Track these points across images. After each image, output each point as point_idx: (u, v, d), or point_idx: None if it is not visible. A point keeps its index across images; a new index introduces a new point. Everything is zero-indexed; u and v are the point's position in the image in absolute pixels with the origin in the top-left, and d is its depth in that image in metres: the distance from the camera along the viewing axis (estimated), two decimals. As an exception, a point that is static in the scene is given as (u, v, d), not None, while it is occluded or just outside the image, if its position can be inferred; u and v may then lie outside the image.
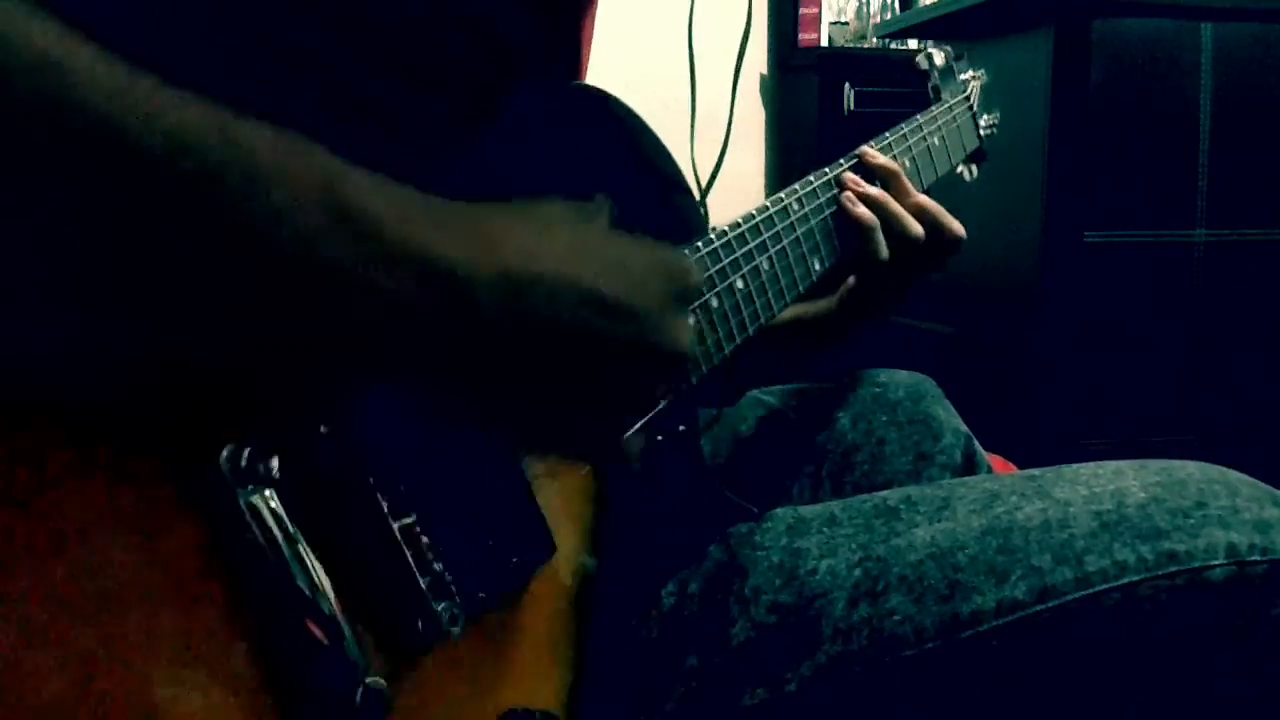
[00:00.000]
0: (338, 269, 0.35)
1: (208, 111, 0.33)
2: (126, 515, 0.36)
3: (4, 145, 0.30)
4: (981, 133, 0.94)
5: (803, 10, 2.67)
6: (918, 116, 0.83)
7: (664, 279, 0.47)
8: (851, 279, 0.79)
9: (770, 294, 0.65)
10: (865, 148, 0.76)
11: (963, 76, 0.93)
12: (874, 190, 0.73)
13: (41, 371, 0.35)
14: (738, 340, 0.63)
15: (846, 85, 2.38)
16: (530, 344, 0.41)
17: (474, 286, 0.38)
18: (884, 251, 0.72)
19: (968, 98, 0.92)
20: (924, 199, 0.76)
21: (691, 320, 0.49)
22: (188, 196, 0.32)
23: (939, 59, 0.91)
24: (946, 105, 0.88)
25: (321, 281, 0.35)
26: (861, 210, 0.72)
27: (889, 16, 2.64)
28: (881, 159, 0.75)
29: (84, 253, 0.32)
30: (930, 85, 0.91)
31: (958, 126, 0.89)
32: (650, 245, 0.48)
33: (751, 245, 0.64)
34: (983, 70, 0.95)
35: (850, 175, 0.73)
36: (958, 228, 0.76)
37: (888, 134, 0.79)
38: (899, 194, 0.74)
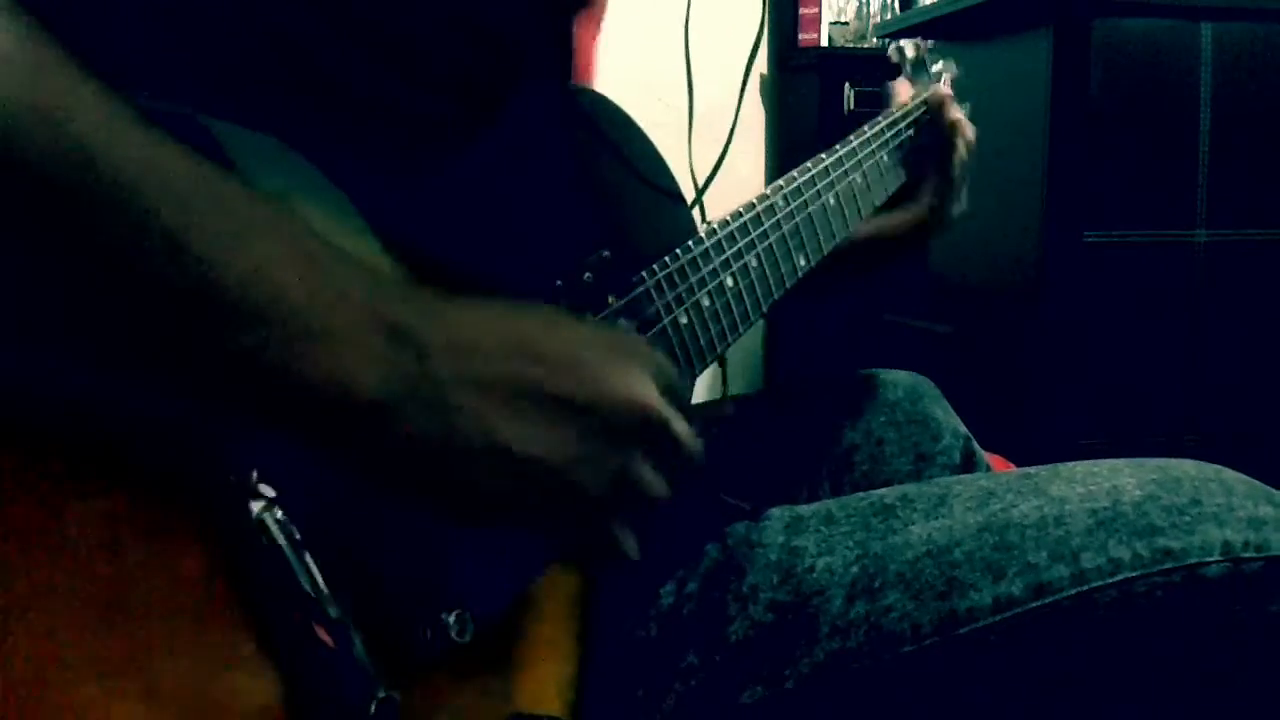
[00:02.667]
0: (307, 321, 0.36)
1: (197, 167, 0.35)
2: (141, 529, 0.36)
3: (31, 205, 0.31)
4: None
5: (803, 10, 2.67)
6: (893, 110, 0.84)
7: (618, 346, 0.46)
8: (926, 200, 0.86)
9: (759, 291, 0.66)
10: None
11: (934, 68, 0.94)
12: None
13: (61, 391, 0.36)
14: (729, 339, 0.63)
15: (846, 85, 2.38)
16: (483, 398, 0.40)
17: (427, 344, 0.39)
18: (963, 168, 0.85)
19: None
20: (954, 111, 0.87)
21: (649, 372, 0.46)
22: (174, 251, 0.33)
23: (910, 51, 0.92)
24: (920, 99, 0.89)
25: (291, 332, 0.36)
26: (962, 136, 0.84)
27: (889, 16, 2.63)
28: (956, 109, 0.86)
29: (77, 290, 0.33)
30: (902, 77, 0.91)
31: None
32: (607, 325, 0.48)
33: (740, 244, 0.64)
34: (953, 61, 0.95)
35: (945, 92, 0.86)
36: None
37: (865, 127, 0.80)
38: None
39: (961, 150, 0.86)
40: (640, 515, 0.46)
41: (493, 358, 0.41)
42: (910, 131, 0.85)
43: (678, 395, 0.47)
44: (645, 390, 0.44)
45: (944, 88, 0.87)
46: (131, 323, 0.34)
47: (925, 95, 0.88)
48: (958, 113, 0.86)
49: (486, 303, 0.43)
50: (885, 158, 0.81)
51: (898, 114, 0.84)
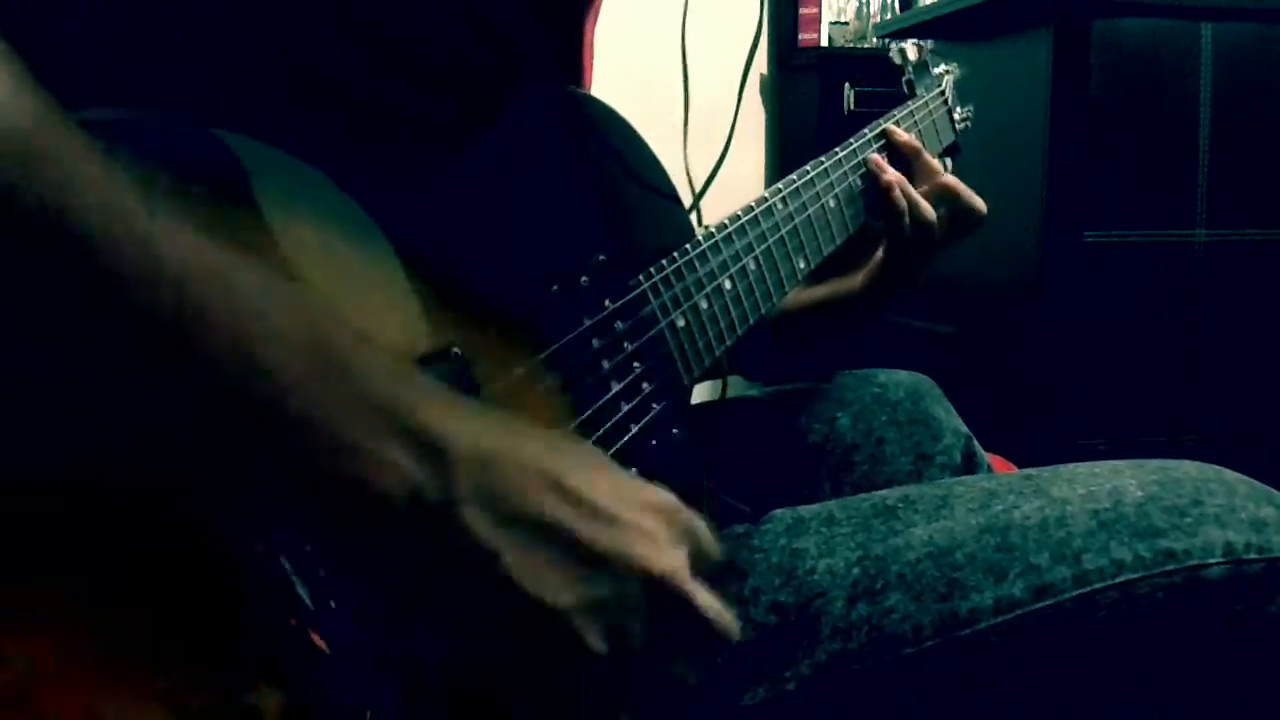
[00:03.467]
0: (323, 428, 0.34)
1: (204, 251, 0.33)
2: (138, 538, 0.36)
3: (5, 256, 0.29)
4: (956, 126, 0.94)
5: (803, 10, 2.67)
6: (895, 111, 0.84)
7: (660, 507, 0.43)
8: (879, 254, 0.81)
9: (758, 294, 0.66)
10: (890, 126, 0.80)
11: (936, 71, 0.93)
12: (894, 175, 0.77)
13: (59, 399, 0.35)
14: (728, 341, 0.63)
15: (846, 85, 2.38)
16: (499, 527, 0.37)
17: (453, 457, 0.37)
18: (908, 231, 0.76)
19: (942, 92, 0.92)
20: (948, 178, 0.80)
21: (684, 552, 0.43)
22: (176, 337, 0.32)
23: (912, 53, 0.91)
24: (923, 100, 0.88)
25: (305, 442, 0.34)
26: (896, 195, 0.76)
27: (889, 16, 2.63)
28: (905, 136, 0.79)
29: (61, 352, 0.32)
30: (904, 80, 0.91)
31: (934, 121, 0.89)
32: (643, 481, 0.45)
33: (738, 246, 0.64)
34: (955, 64, 0.95)
35: (876, 158, 0.77)
36: (979, 205, 0.81)
37: (865, 130, 0.80)
38: (924, 172, 0.79)
39: (904, 221, 0.76)
40: (653, 690, 0.43)
41: (521, 485, 0.38)
42: (912, 135, 0.84)
43: (709, 565, 0.44)
44: (672, 559, 0.42)
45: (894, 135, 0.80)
46: (138, 420, 0.33)
47: (914, 106, 0.87)
48: (896, 177, 0.77)
49: (523, 425, 0.41)
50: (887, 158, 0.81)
51: (900, 114, 0.84)
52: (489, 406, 0.40)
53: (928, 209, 0.77)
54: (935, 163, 0.81)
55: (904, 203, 0.76)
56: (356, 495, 0.35)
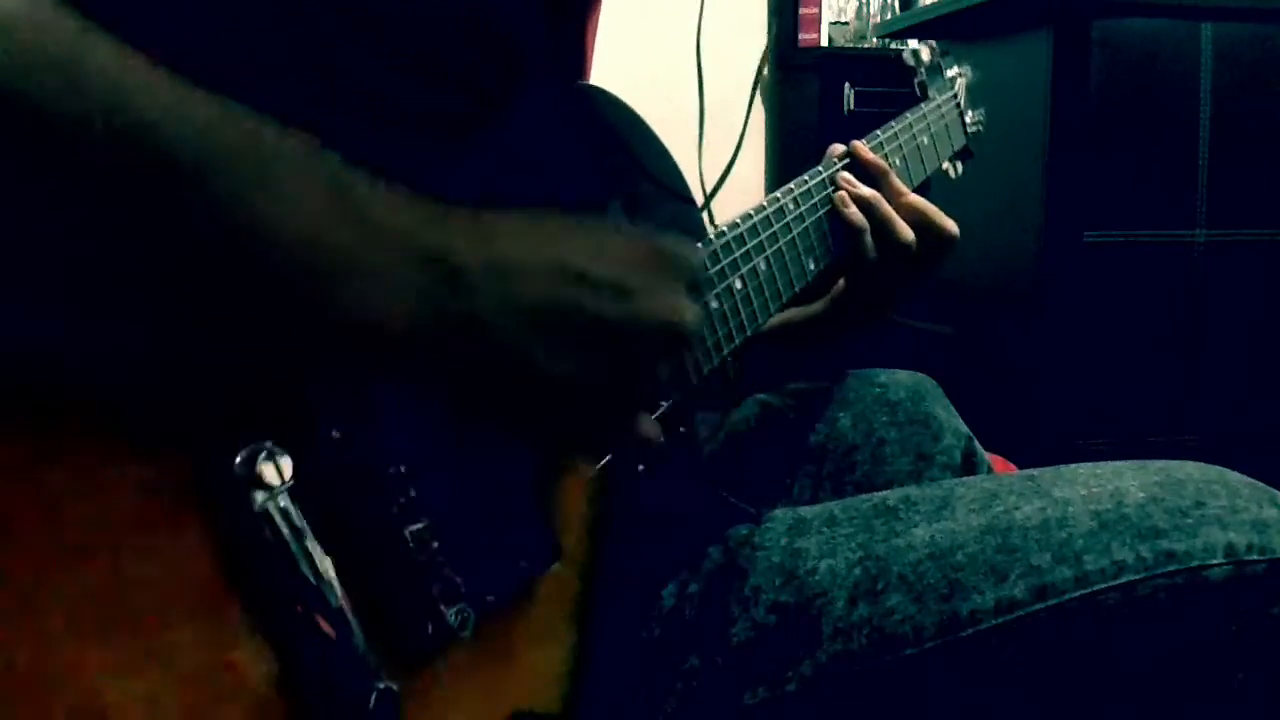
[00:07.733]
0: (338, 254, 0.36)
1: (218, 106, 0.34)
2: (140, 520, 0.36)
3: (55, 152, 0.31)
4: (968, 130, 0.94)
5: (803, 10, 2.67)
6: (907, 114, 0.84)
7: (658, 259, 0.46)
8: (842, 281, 0.78)
9: (768, 294, 0.66)
10: (856, 143, 0.76)
11: (949, 74, 0.93)
12: (866, 191, 0.72)
13: (58, 371, 0.35)
14: (736, 341, 0.63)
15: (846, 85, 2.38)
16: (525, 326, 0.40)
17: (466, 271, 0.39)
18: (872, 253, 0.72)
19: (955, 95, 0.92)
20: (915, 199, 0.75)
21: (694, 302, 0.47)
22: (201, 184, 0.33)
23: (925, 56, 0.91)
24: (935, 103, 0.88)
25: (322, 267, 0.35)
26: (853, 211, 0.71)
27: (889, 16, 2.63)
28: (871, 156, 0.75)
29: (94, 244, 0.32)
30: (917, 82, 0.91)
31: (945, 124, 0.89)
32: (644, 233, 0.48)
33: (749, 246, 0.64)
34: (968, 67, 0.95)
35: (845, 175, 0.73)
36: (950, 227, 0.75)
37: (878, 132, 0.79)
38: (890, 194, 0.74)
39: (865, 239, 0.71)
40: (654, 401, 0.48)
41: (533, 280, 0.41)
42: (924, 139, 0.84)
43: (700, 291, 0.49)
44: (681, 306, 0.45)
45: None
46: (159, 262, 0.33)
47: (927, 109, 0.87)
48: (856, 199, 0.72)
49: (533, 221, 0.43)
50: (898, 163, 0.80)
51: (913, 117, 0.84)
52: (494, 217, 0.42)
53: (904, 228, 0.72)
54: (901, 184, 0.76)
55: (862, 219, 0.71)
56: (383, 323, 0.37)
